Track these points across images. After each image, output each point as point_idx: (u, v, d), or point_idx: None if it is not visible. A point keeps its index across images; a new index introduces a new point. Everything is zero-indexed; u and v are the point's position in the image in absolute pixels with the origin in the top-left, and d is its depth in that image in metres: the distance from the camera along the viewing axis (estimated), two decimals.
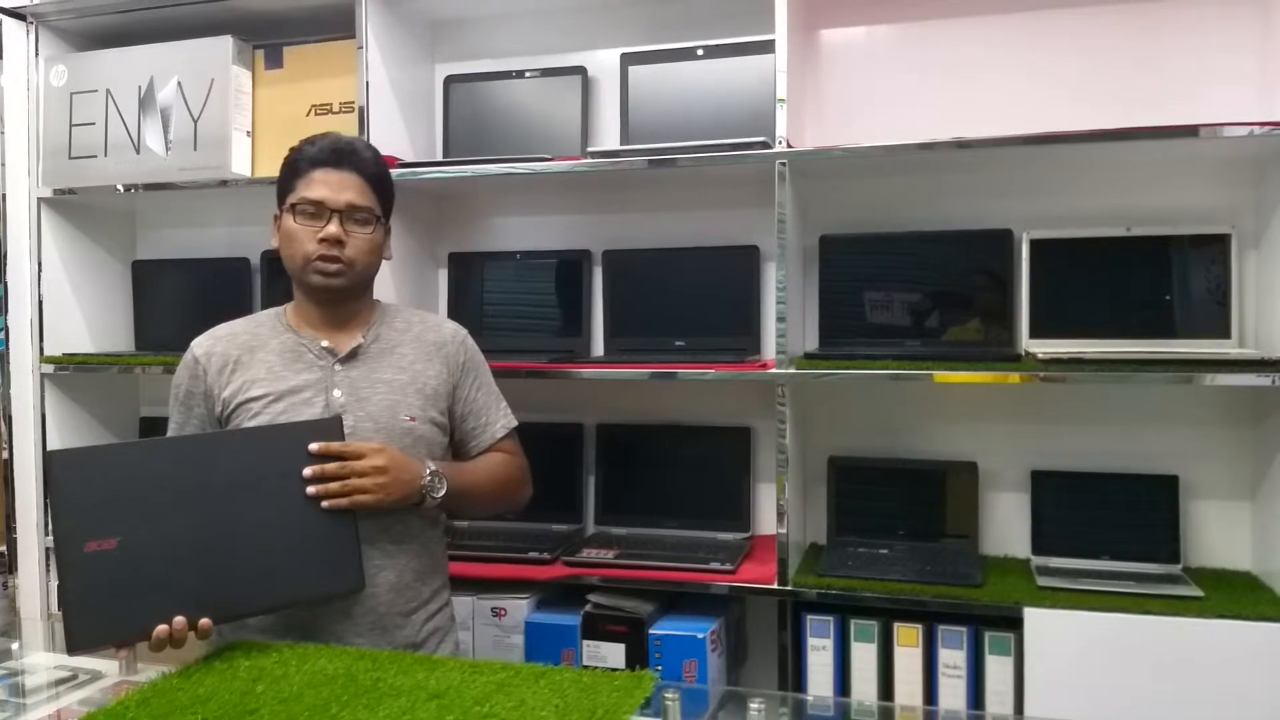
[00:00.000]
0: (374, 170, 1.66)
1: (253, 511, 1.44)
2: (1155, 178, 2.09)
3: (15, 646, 1.69)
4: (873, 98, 2.24)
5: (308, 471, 1.47)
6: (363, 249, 1.64)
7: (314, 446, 1.48)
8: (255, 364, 1.63)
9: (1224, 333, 1.99)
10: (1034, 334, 2.05)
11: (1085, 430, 2.13)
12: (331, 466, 1.48)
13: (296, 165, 1.64)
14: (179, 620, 1.36)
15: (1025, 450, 2.16)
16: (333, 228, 1.60)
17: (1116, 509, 2.05)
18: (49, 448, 2.50)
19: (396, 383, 1.65)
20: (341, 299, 1.66)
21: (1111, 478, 2.07)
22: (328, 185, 1.61)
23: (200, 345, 1.67)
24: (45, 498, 2.48)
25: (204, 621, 1.38)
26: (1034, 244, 2.06)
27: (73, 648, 1.34)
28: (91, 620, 1.34)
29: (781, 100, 2.00)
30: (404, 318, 1.75)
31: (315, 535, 1.48)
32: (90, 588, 1.34)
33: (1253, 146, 1.88)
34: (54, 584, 2.49)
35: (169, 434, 1.68)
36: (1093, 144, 1.89)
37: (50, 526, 1.40)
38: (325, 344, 1.65)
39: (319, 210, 1.60)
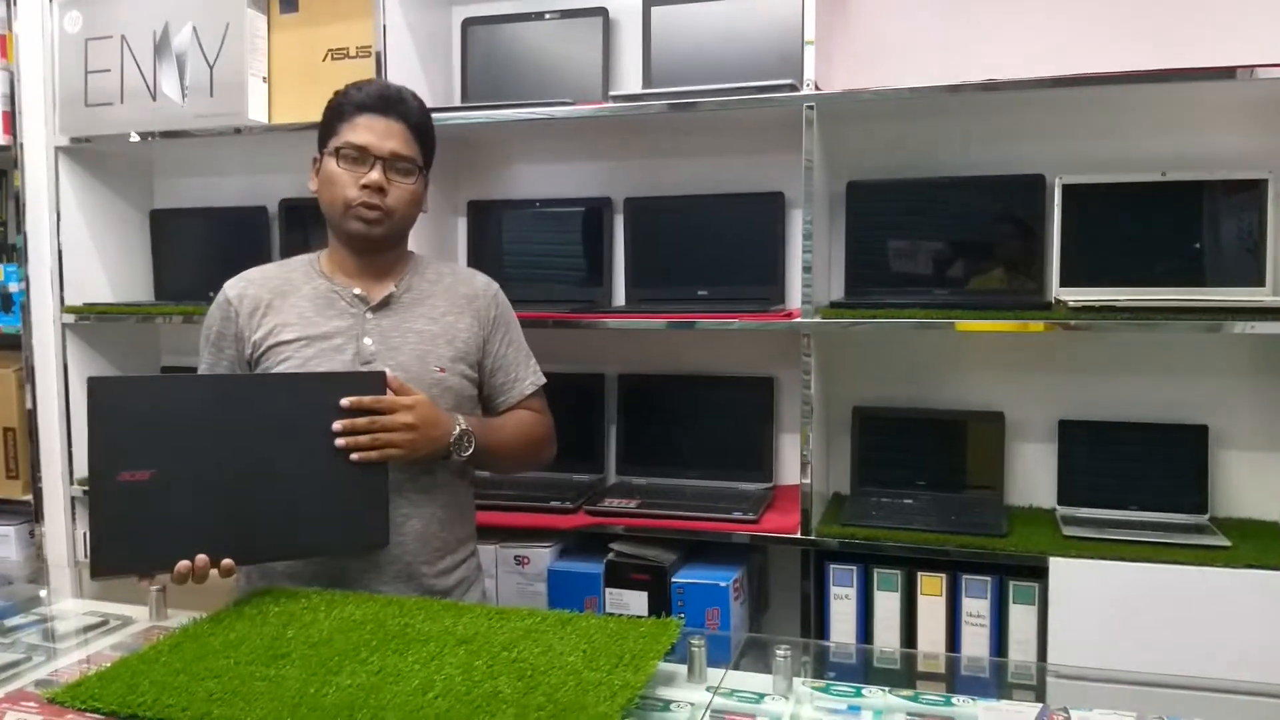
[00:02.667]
0: (419, 120, 1.65)
1: (287, 457, 1.45)
2: (1191, 121, 2.04)
3: (44, 593, 1.71)
4: (903, 39, 2.19)
5: (337, 425, 1.46)
6: (403, 199, 1.62)
7: (345, 401, 1.47)
8: (286, 308, 1.63)
9: (1258, 280, 1.95)
10: (1065, 282, 2.02)
11: (1114, 380, 2.11)
12: (361, 421, 1.48)
13: (342, 109, 1.62)
14: (201, 558, 1.37)
15: (1053, 400, 2.14)
16: (375, 174, 1.58)
17: (1144, 459, 2.03)
18: (72, 398, 2.51)
19: (427, 333, 1.64)
20: (377, 248, 1.65)
21: (1140, 427, 2.05)
22: (373, 131, 1.59)
23: (233, 287, 1.66)
24: (72, 433, 2.51)
25: (226, 561, 1.39)
26: (1067, 189, 2.02)
27: (96, 573, 1.36)
28: (117, 548, 1.35)
29: (809, 42, 1.95)
30: (436, 269, 1.74)
31: (345, 487, 1.48)
32: (120, 517, 1.35)
33: None
34: (80, 532, 2.52)
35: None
36: (1126, 86, 1.85)
37: (86, 453, 1.41)
38: (357, 291, 1.64)
39: (363, 156, 1.59)
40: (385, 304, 1.64)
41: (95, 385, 1.37)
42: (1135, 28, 2.06)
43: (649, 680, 1.15)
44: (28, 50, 2.45)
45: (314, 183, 1.66)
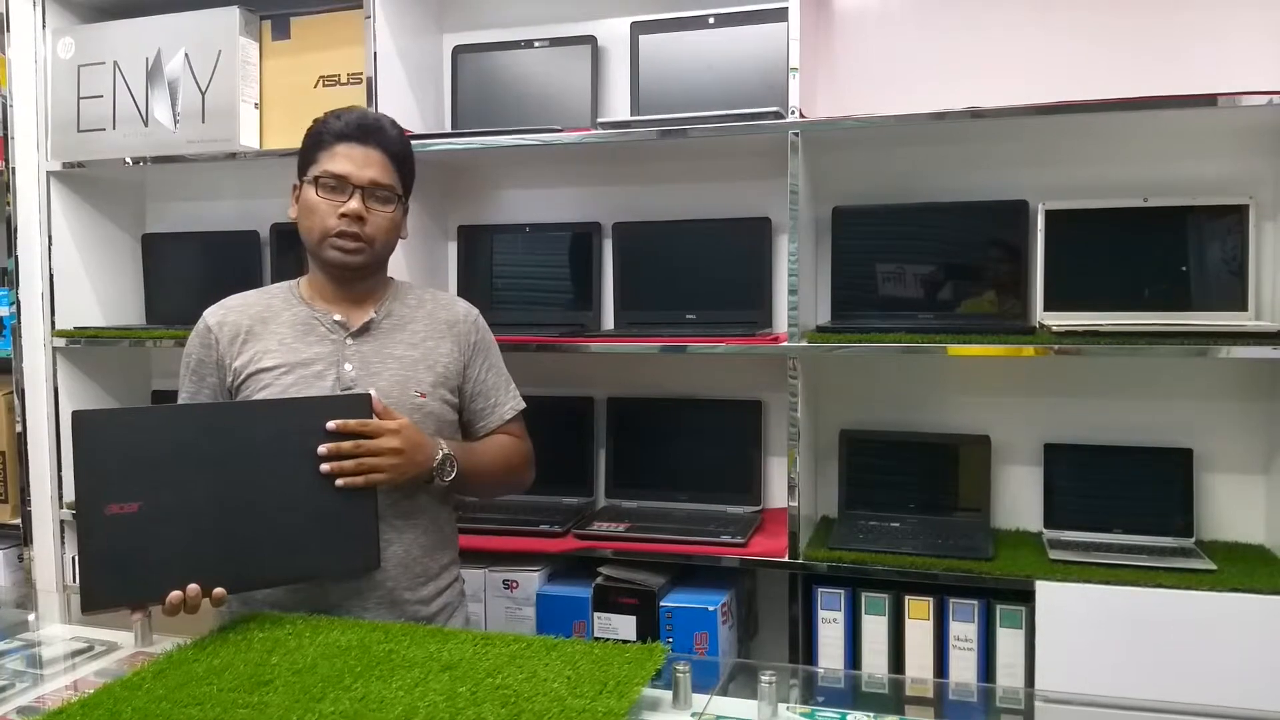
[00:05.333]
0: (398, 149, 1.66)
1: (275, 483, 1.45)
2: (1173, 147, 2.06)
3: (31, 618, 1.70)
4: (887, 66, 2.21)
5: (323, 449, 1.47)
6: (382, 227, 1.63)
7: (331, 424, 1.48)
8: (267, 335, 1.63)
9: (1240, 305, 1.97)
10: (1048, 306, 2.03)
11: (1099, 403, 2.12)
12: (347, 445, 1.48)
13: (321, 137, 1.63)
14: (193, 588, 1.37)
15: (1038, 423, 2.15)
16: (354, 204, 1.59)
17: (1130, 482, 2.04)
18: (62, 422, 2.51)
19: (407, 359, 1.65)
20: (357, 275, 1.65)
21: (1125, 451, 2.06)
22: (352, 160, 1.60)
23: (213, 315, 1.66)
24: (62, 457, 2.50)
25: (218, 590, 1.39)
26: (1049, 215, 2.04)
27: (87, 607, 1.35)
28: (108, 581, 1.35)
29: (794, 69, 1.97)
30: (417, 295, 1.75)
31: (334, 511, 1.48)
32: (109, 549, 1.35)
33: (1272, 116, 1.86)
34: (69, 556, 2.51)
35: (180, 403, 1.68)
36: (1109, 113, 1.87)
37: (73, 486, 1.40)
38: (337, 318, 1.64)
39: (341, 185, 1.60)
40: (365, 330, 1.65)
41: (79, 419, 1.37)
42: (1118, 55, 2.08)
43: (633, 706, 1.15)
44: (20, 75, 2.46)
45: (294, 210, 1.67)
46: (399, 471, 1.52)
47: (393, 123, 1.68)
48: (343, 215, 1.59)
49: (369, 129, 1.63)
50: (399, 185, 1.66)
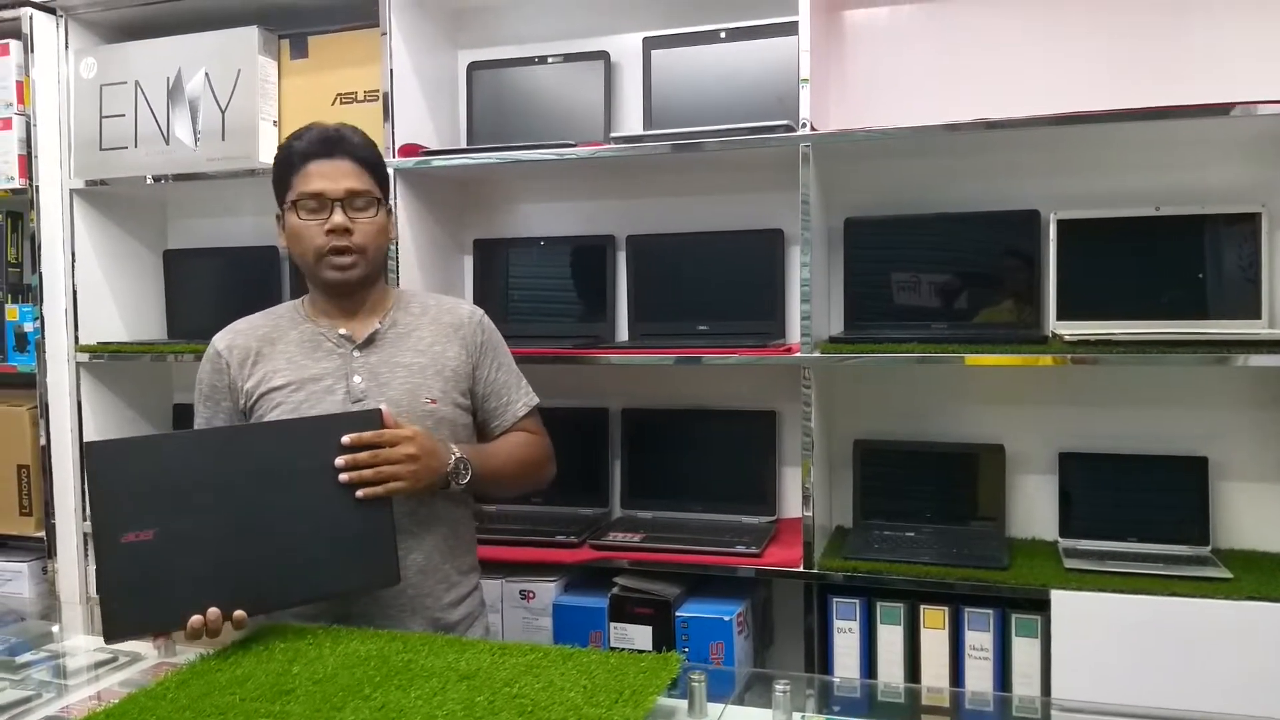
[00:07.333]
0: (365, 154, 1.67)
1: (290, 503, 1.45)
2: (1185, 156, 2.06)
3: (56, 630, 1.73)
4: (897, 78, 2.23)
5: (339, 461, 1.48)
6: (370, 233, 1.65)
7: (347, 438, 1.48)
8: (275, 355, 1.66)
9: (1254, 313, 1.97)
10: (1061, 315, 2.04)
11: (1114, 412, 2.12)
12: (363, 456, 1.49)
13: (289, 161, 1.64)
14: (213, 611, 1.38)
15: (1053, 432, 2.15)
16: (338, 217, 1.61)
17: (1145, 491, 2.04)
18: (85, 435, 2.54)
19: (416, 365, 1.66)
20: (357, 289, 1.67)
21: (1140, 459, 2.06)
22: (324, 176, 1.61)
23: (221, 340, 1.69)
24: (84, 486, 2.53)
25: (238, 613, 1.40)
26: (1061, 224, 2.05)
27: (109, 637, 1.36)
28: (128, 610, 1.36)
29: (805, 81, 1.99)
30: (420, 302, 1.76)
31: (351, 528, 1.48)
32: (127, 578, 1.36)
33: None
34: (92, 569, 2.54)
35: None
36: (1121, 123, 1.87)
37: (89, 517, 1.42)
38: (343, 331, 1.67)
39: (321, 202, 1.61)
40: (371, 341, 1.67)
41: (91, 449, 1.39)
42: (1130, 65, 2.08)
43: (648, 716, 1.16)
44: (44, 95, 2.50)
45: (282, 239, 1.68)
46: (417, 478, 1.53)
47: (354, 130, 1.68)
48: (330, 231, 1.61)
49: (332, 141, 1.64)
50: (375, 189, 1.67)
